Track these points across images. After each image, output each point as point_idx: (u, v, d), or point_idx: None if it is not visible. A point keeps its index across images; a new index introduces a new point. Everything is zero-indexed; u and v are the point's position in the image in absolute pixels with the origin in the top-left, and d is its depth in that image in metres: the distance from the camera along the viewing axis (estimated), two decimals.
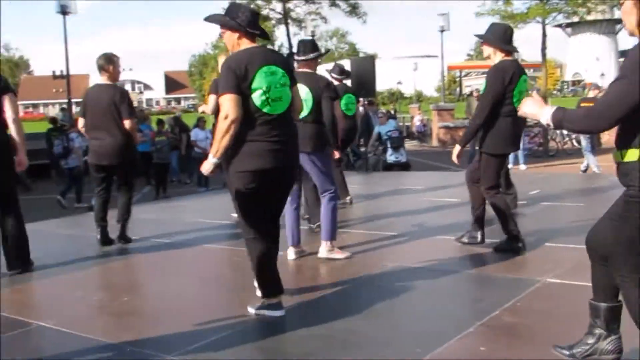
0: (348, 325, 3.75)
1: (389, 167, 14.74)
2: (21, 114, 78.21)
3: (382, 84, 42.02)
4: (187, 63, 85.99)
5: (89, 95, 6.24)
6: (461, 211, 6.90)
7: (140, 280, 5.43)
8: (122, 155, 6.19)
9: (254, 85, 3.71)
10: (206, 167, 3.80)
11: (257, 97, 3.72)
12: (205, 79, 70.65)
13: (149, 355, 3.40)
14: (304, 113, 4.89)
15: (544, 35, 20.30)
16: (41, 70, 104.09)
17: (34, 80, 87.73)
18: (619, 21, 23.54)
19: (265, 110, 3.76)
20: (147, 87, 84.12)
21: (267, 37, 4.15)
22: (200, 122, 15.83)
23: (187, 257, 5.91)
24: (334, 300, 4.31)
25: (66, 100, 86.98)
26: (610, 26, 60.64)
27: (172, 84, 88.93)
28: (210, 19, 3.97)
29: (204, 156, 13.76)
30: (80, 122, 6.36)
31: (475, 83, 60.85)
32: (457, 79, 66.47)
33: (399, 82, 57.22)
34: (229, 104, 3.65)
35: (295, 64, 5.35)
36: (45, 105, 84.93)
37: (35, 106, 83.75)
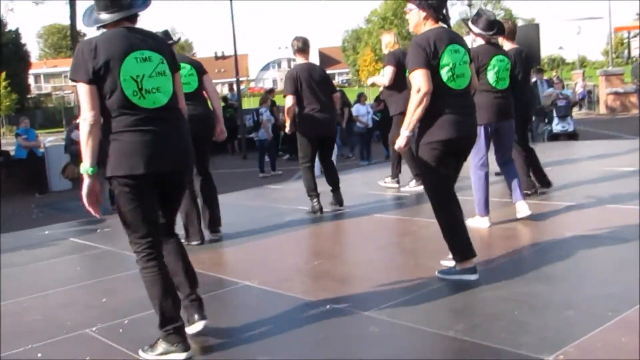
0: (530, 289, 3.90)
1: (555, 137, 14.30)
2: None
3: (542, 49, 40.12)
4: (341, 39, 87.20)
5: (300, 73, 6.72)
6: (635, 179, 6.77)
7: (326, 247, 5.83)
8: (335, 126, 7.15)
9: (442, 62, 4.01)
10: (401, 142, 4.14)
11: (444, 74, 4.03)
12: (359, 53, 71.29)
13: (349, 311, 3.78)
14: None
15: None
16: (204, 52, 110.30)
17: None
18: None
19: (451, 85, 4.06)
20: None
21: (448, 22, 4.22)
22: (362, 98, 16.25)
23: (365, 225, 6.30)
24: (514, 265, 4.47)
25: (230, 80, 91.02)
26: None
27: (326, 60, 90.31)
28: None
29: (366, 130, 14.36)
30: (290, 99, 6.72)
31: None
32: (625, 41, 61.97)
33: (560, 47, 54.37)
34: (421, 78, 3.95)
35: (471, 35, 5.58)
36: None
37: None
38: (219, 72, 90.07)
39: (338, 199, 7.05)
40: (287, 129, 6.99)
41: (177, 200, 3.57)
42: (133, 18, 3.34)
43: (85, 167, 3.15)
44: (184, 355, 3.23)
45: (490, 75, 5.52)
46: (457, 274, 4.21)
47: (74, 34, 13.01)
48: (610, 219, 5.46)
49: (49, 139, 17.86)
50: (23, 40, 49.82)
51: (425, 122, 4.09)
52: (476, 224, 5.51)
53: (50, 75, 78.10)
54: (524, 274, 4.21)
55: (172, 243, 3.53)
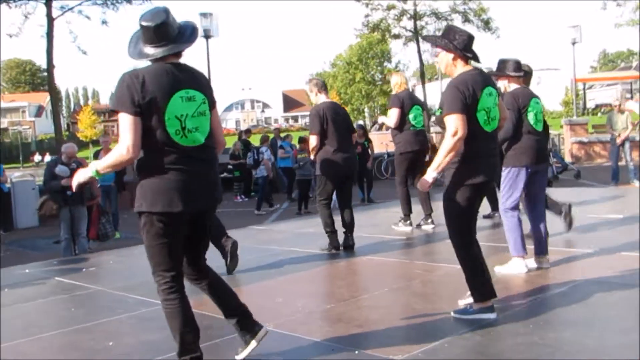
0: (559, 334, 3.84)
1: None
2: None
3: None
4: (304, 81, 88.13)
5: (326, 111, 6.65)
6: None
7: (335, 289, 5.61)
8: (356, 165, 7.16)
9: (479, 106, 4.04)
10: (425, 183, 4.09)
11: (480, 117, 4.06)
12: None
13: (378, 357, 3.63)
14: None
15: None
16: None
17: None
18: None
19: (486, 128, 4.10)
20: (265, 105, 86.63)
21: (478, 59, 4.28)
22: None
23: (372, 267, 6.19)
24: (536, 309, 4.39)
25: None
26: None
27: (290, 102, 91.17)
28: (428, 39, 4.43)
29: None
30: (315, 138, 6.64)
31: (600, 95, 58.17)
32: (581, 92, 64.02)
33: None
34: (458, 122, 3.97)
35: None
36: None
37: None
38: None
39: (349, 242, 6.92)
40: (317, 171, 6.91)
41: (207, 236, 3.58)
42: (178, 53, 3.33)
43: (95, 169, 3.25)
44: None
45: (531, 117, 5.48)
46: (474, 314, 4.15)
47: (49, 69, 12.75)
48: (617, 265, 5.45)
49: (16, 174, 17.27)
50: None
51: (460, 164, 4.09)
52: (514, 267, 5.41)
53: (7, 110, 76.57)
54: (549, 319, 4.14)
55: (210, 277, 3.57)
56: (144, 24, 3.24)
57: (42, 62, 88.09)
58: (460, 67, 4.18)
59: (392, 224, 8.26)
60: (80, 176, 3.35)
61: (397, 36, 23.52)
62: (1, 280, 6.44)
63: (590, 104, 56.90)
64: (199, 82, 3.34)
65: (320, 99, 6.84)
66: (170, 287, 3.28)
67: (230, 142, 19.55)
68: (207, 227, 3.53)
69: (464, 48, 4.15)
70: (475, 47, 4.21)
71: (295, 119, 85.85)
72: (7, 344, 4.26)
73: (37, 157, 52.22)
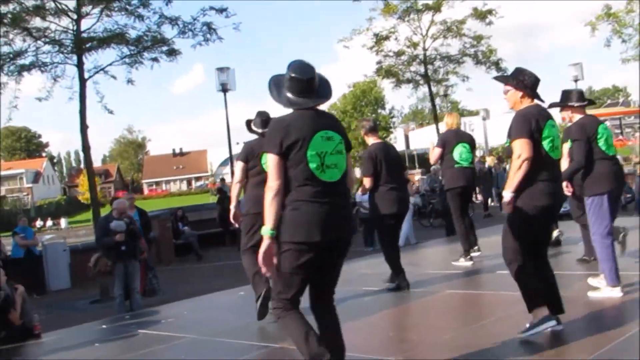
0: None
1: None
2: (146, 191, 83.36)
3: (495, 139, 40.97)
4: None
5: (378, 153, 6.82)
6: None
7: (436, 321, 5.67)
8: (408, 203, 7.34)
9: (544, 135, 4.41)
10: (506, 202, 4.41)
11: (546, 145, 4.43)
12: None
13: None
14: None
15: None
16: (160, 149, 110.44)
17: (156, 159, 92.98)
18: None
19: (552, 155, 4.48)
20: None
21: (541, 99, 4.67)
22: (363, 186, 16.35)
23: (455, 300, 6.23)
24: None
25: (189, 176, 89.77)
26: None
27: None
28: (499, 79, 4.77)
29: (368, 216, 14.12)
30: (367, 180, 6.80)
31: None
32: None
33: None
34: (523, 146, 4.35)
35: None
36: (167, 182, 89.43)
37: (158, 183, 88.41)
38: (177, 169, 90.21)
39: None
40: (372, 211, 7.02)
41: (339, 266, 3.75)
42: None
43: (267, 229, 3.45)
44: None
45: (602, 144, 5.62)
46: (537, 325, 4.37)
47: (84, 129, 12.95)
48: None
49: (47, 237, 17.22)
50: None
51: (529, 188, 4.38)
52: (608, 294, 5.44)
53: (4, 178, 76.58)
54: None
55: (331, 317, 3.71)
56: (296, 76, 3.61)
57: (36, 128, 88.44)
58: (527, 104, 4.59)
59: (452, 260, 8.31)
60: (263, 247, 3.47)
61: (409, 80, 23.93)
62: (89, 335, 6.46)
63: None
64: (337, 126, 3.71)
65: (370, 140, 7.05)
66: (287, 306, 3.55)
67: None
68: (339, 261, 3.71)
69: (531, 87, 4.57)
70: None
71: None
72: None
73: (38, 223, 51.93)
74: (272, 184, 3.47)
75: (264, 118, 6.35)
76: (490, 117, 43.13)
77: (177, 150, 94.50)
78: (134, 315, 7.66)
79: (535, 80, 4.60)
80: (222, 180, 22.84)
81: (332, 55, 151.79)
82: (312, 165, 3.49)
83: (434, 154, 8.30)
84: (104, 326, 7.06)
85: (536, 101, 4.64)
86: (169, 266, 15.67)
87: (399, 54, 23.32)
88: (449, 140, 8.19)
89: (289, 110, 3.66)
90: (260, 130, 6.29)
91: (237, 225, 6.25)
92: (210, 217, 20.00)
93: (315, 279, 3.67)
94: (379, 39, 22.96)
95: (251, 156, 6.08)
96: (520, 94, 4.57)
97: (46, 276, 14.65)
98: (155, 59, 13.85)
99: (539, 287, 4.45)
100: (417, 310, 6.12)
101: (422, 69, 23.54)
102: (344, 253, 3.72)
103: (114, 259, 9.08)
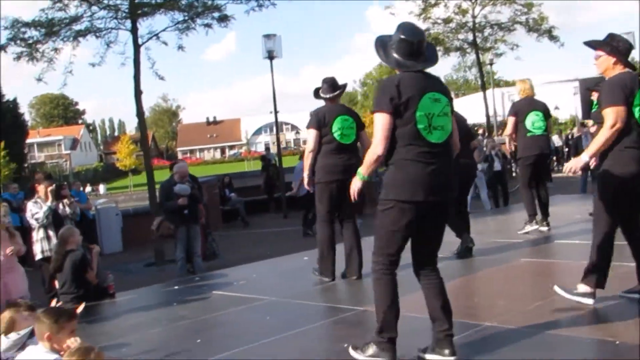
0: None
1: None
2: (180, 157, 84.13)
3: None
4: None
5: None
6: None
7: (520, 289, 5.62)
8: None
9: (635, 102, 4.27)
10: (579, 165, 4.30)
11: (636, 112, 4.28)
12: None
13: None
14: None
15: None
16: (192, 117, 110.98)
17: (190, 127, 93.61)
18: None
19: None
20: (294, 127, 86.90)
21: (634, 68, 4.51)
22: None
23: (533, 269, 6.18)
24: None
25: (223, 144, 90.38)
26: None
27: None
28: (590, 43, 4.56)
29: None
30: None
31: None
32: None
33: (557, 108, 55.26)
34: (620, 114, 4.21)
35: None
36: (201, 150, 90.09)
37: (192, 152, 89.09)
38: (211, 137, 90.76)
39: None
40: None
41: (440, 229, 3.77)
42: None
43: (362, 174, 3.71)
44: None
45: None
46: (577, 295, 4.50)
47: (138, 95, 13.06)
48: None
49: (100, 201, 17.51)
50: (20, 110, 49.79)
51: (616, 153, 4.29)
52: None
53: (43, 145, 77.94)
54: None
55: (433, 278, 3.73)
56: (406, 38, 3.63)
57: (73, 96, 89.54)
58: (619, 70, 4.44)
59: (517, 230, 8.22)
60: (356, 185, 3.78)
61: (458, 49, 23.58)
62: (163, 297, 6.55)
63: None
64: (444, 88, 3.71)
65: None
66: (387, 269, 3.62)
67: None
68: (440, 223, 3.74)
69: (625, 54, 4.43)
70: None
71: None
72: (235, 350, 4.32)
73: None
74: (377, 150, 3.54)
75: (330, 83, 6.32)
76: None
77: (211, 119, 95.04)
78: (203, 278, 7.75)
79: (630, 47, 4.48)
80: (267, 148, 22.83)
81: (364, 24, 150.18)
82: (420, 126, 3.51)
83: (508, 124, 8.20)
84: (176, 287, 7.15)
85: (628, 69, 4.48)
86: (216, 232, 15.84)
87: (447, 21, 22.95)
88: (521, 109, 8.07)
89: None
90: (328, 96, 6.27)
91: (310, 191, 6.36)
92: (254, 185, 20.13)
93: (416, 241, 3.73)
94: (427, 5, 22.63)
95: (322, 124, 6.07)
96: (613, 60, 4.44)
97: (99, 239, 14.91)
98: (207, 25, 13.76)
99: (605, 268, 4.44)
100: (495, 277, 6.07)
101: (470, 37, 23.16)
102: (445, 215, 3.74)
103: (176, 222, 9.17)
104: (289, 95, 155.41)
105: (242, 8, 14.23)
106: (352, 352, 3.77)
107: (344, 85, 6.51)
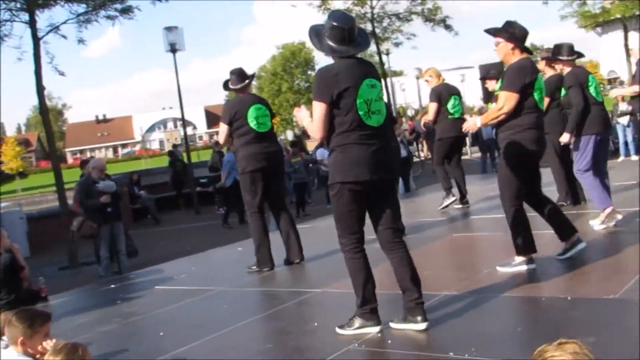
0: None
1: None
2: (70, 160, 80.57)
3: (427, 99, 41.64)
4: (225, 96, 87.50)
5: None
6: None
7: (460, 261, 5.92)
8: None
9: (536, 86, 4.72)
10: (472, 125, 5.03)
11: (536, 95, 4.73)
12: None
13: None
14: None
15: (626, 31, 20.94)
16: (79, 116, 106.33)
17: (78, 126, 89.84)
18: None
19: (540, 106, 4.80)
20: (189, 123, 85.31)
21: (531, 52, 4.89)
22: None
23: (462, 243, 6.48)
24: None
25: (114, 143, 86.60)
26: (635, 22, 60.52)
27: (214, 118, 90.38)
28: (490, 31, 4.87)
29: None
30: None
31: None
32: None
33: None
34: (510, 100, 4.64)
35: None
36: (92, 150, 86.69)
37: (82, 152, 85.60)
38: (101, 136, 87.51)
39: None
40: None
41: (392, 204, 3.98)
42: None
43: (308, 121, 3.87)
44: (378, 328, 3.86)
45: (592, 91, 6.04)
46: (517, 266, 4.84)
47: (41, 91, 12.49)
48: None
49: (3, 204, 16.53)
50: None
51: (519, 135, 4.70)
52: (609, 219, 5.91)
53: None
54: None
55: (400, 250, 3.90)
56: (338, 25, 3.78)
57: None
58: (518, 56, 4.76)
59: (437, 207, 8.56)
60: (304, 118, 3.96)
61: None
62: (100, 297, 6.36)
63: None
64: (376, 73, 3.95)
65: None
66: (356, 247, 3.84)
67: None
68: (390, 197, 3.96)
69: (522, 39, 4.78)
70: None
71: None
72: (207, 338, 4.30)
73: None
74: (317, 136, 3.80)
75: (238, 74, 6.36)
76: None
77: (101, 117, 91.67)
78: (138, 275, 7.55)
79: (526, 33, 4.80)
80: (174, 145, 22.38)
81: (249, 17, 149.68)
82: (361, 112, 3.71)
83: (432, 109, 8.45)
84: (112, 286, 6.95)
85: (527, 54, 4.84)
86: (128, 230, 15.41)
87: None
88: (443, 94, 8.40)
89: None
90: (238, 86, 6.30)
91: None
92: (162, 181, 19.72)
93: (374, 218, 3.93)
94: None
95: (237, 116, 6.09)
96: (511, 45, 4.75)
97: None
98: (110, 17, 13.31)
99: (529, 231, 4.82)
100: (435, 252, 6.32)
101: (369, 27, 23.66)
102: (393, 190, 4.06)
103: (99, 221, 8.88)
104: (187, 90, 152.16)
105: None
106: (339, 331, 3.94)
107: (252, 75, 6.63)
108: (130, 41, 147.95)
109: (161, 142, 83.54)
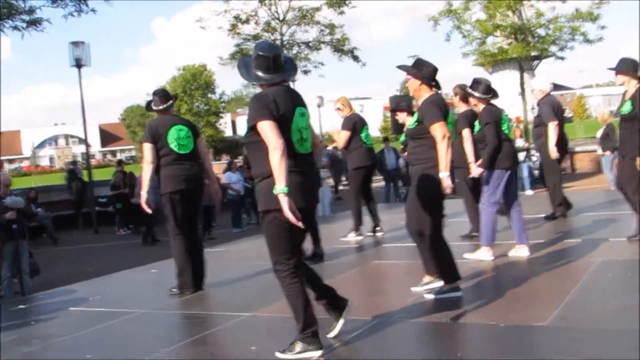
0: None
1: None
2: None
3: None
4: (120, 115, 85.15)
5: None
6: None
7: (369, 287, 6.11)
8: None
9: (448, 119, 5.06)
10: (447, 184, 4.87)
11: (450, 126, 5.09)
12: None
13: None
14: None
15: (522, 71, 22.37)
16: None
17: None
18: (537, 57, 26.66)
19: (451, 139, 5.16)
20: (81, 140, 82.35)
21: (440, 87, 5.22)
22: (232, 165, 16.41)
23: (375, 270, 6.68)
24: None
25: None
26: (528, 63, 64.78)
27: (107, 136, 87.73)
28: (402, 67, 5.21)
29: (238, 197, 14.47)
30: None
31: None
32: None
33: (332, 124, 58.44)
34: (444, 127, 4.90)
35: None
36: None
37: None
38: None
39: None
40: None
41: (313, 227, 4.20)
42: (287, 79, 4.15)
43: (282, 187, 3.57)
44: (319, 352, 3.91)
45: (505, 128, 6.46)
46: (445, 293, 5.06)
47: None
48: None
49: None
50: None
51: (433, 167, 4.91)
52: (483, 256, 6.39)
53: None
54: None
55: (306, 266, 4.17)
56: (263, 54, 3.90)
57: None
58: (426, 92, 5.11)
59: (341, 237, 8.74)
60: (285, 204, 3.58)
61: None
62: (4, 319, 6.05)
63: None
64: (304, 101, 4.05)
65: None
66: (293, 273, 3.86)
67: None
68: (312, 222, 4.26)
69: (429, 77, 5.08)
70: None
71: (114, 153, 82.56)
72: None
73: None
74: (276, 143, 3.60)
75: (161, 95, 6.40)
76: (324, 104, 44.44)
77: None
78: (46, 296, 7.23)
79: (434, 71, 5.10)
80: (74, 162, 21.58)
81: (149, 36, 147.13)
82: (294, 139, 3.80)
83: (344, 138, 8.48)
84: (21, 306, 6.63)
85: (435, 90, 5.17)
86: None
87: (256, 38, 23.51)
88: (357, 123, 8.59)
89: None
90: (161, 107, 6.32)
91: (149, 211, 6.16)
92: (61, 199, 18.98)
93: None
94: (238, 21, 23.03)
95: (158, 137, 6.11)
96: (418, 82, 5.09)
97: None
98: (17, 28, 12.83)
99: (453, 262, 5.11)
100: (358, 279, 6.51)
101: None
102: (312, 219, 4.40)
103: (3, 238, 8.46)
104: (71, 106, 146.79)
105: (59, 12, 13.46)
106: (280, 355, 3.94)
107: (175, 96, 6.70)
108: (20, 54, 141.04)
109: (51, 159, 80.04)
